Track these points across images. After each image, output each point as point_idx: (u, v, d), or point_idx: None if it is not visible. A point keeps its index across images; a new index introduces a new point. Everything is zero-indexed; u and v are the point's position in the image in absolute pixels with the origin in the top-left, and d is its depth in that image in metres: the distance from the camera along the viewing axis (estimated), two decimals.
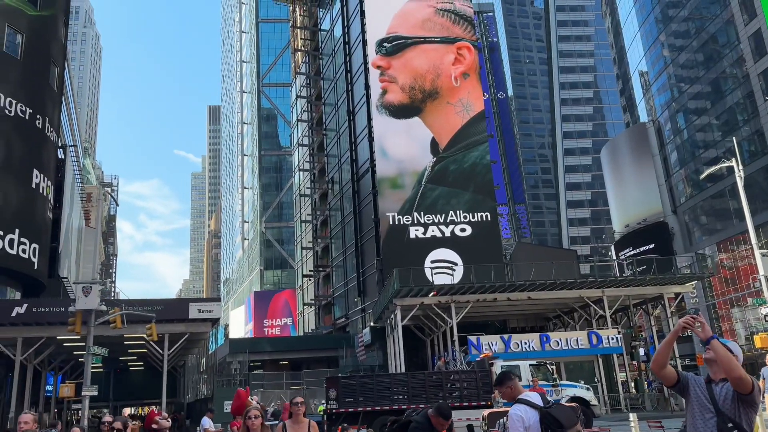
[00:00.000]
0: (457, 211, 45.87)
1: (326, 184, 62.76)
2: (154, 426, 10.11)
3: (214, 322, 35.81)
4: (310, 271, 67.93)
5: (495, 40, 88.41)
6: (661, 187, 63.16)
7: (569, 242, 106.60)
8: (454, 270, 40.57)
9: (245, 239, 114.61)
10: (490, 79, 76.86)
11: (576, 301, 37.68)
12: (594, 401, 26.16)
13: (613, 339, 33.36)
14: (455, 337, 33.27)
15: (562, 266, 39.68)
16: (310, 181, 68.85)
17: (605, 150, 77.89)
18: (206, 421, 16.60)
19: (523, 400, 5.13)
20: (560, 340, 33.16)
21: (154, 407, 50.58)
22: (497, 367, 25.86)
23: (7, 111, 34.19)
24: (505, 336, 33.09)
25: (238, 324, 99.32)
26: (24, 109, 35.49)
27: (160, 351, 33.63)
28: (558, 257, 47.71)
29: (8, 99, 34.38)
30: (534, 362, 26.51)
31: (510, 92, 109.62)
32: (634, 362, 40.96)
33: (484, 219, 46.11)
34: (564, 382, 27.35)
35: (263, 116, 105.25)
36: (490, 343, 31.89)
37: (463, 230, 45.58)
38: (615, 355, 34.64)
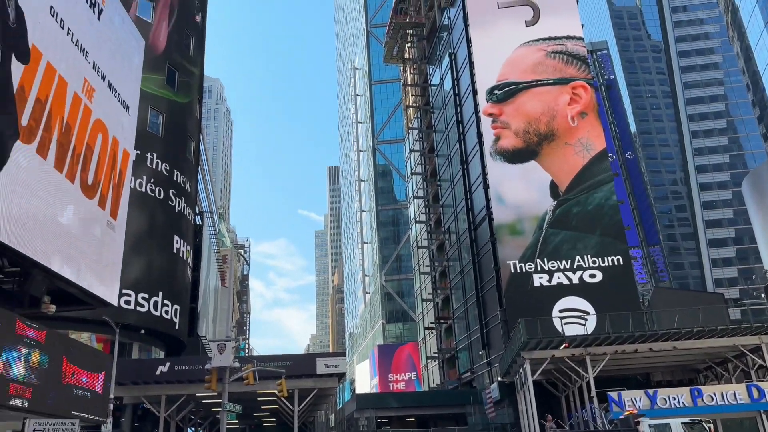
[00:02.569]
0: (585, 256, 43.46)
1: (443, 235, 62.44)
2: None
3: (340, 377, 36.02)
4: (431, 323, 67.09)
5: (612, 77, 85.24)
6: None
7: (714, 285, 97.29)
8: (586, 319, 38.05)
9: (366, 293, 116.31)
10: (610, 117, 73.80)
11: (729, 350, 33.73)
12: None
13: None
14: (593, 393, 30.82)
15: (709, 311, 35.97)
16: (426, 233, 68.89)
17: (746, 182, 71.13)
18: None
19: None
20: (714, 394, 29.65)
21: None
22: (644, 426, 23.52)
23: (150, 184, 37.70)
24: (650, 391, 30.14)
25: (364, 378, 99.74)
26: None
27: (291, 407, 34.25)
28: (703, 302, 43.38)
29: (153, 167, 37.98)
30: (687, 420, 23.81)
31: (633, 128, 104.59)
32: None
33: (616, 263, 43.26)
34: None
35: (379, 172, 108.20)
36: (633, 398, 29.17)
37: (592, 276, 42.97)
38: None
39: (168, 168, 39.24)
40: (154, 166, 38.09)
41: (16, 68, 12.66)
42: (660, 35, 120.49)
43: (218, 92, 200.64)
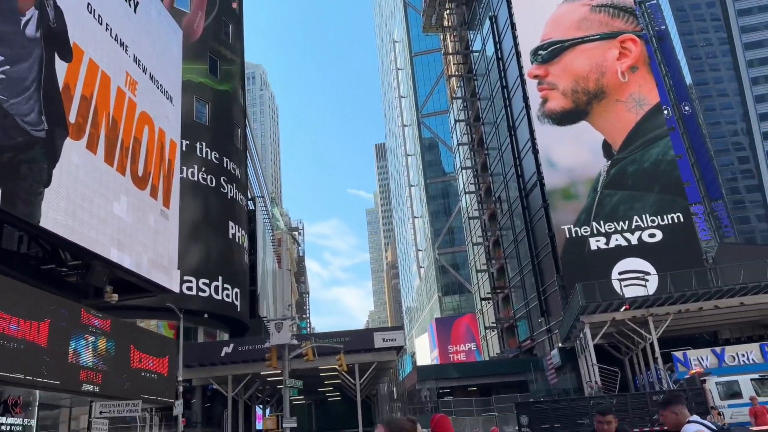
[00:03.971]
0: (643, 216, 42.05)
1: (494, 204, 61.65)
2: None
3: (399, 350, 36.35)
4: (487, 294, 66.72)
5: (663, 28, 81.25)
6: None
7: None
8: (647, 280, 36.99)
9: (421, 267, 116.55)
10: (663, 69, 70.57)
11: None
12: None
13: None
14: (657, 354, 30.07)
15: None
16: (477, 203, 68.15)
17: None
18: None
19: (696, 420, 4.66)
20: None
21: None
22: (711, 384, 22.80)
23: (202, 173, 38.62)
24: (717, 349, 29.17)
25: (424, 351, 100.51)
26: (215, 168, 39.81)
27: (352, 381, 34.89)
28: None
29: (203, 156, 38.86)
30: (757, 376, 22.91)
31: (689, 80, 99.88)
32: None
33: (676, 221, 41.71)
34: None
35: (425, 146, 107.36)
36: (699, 357, 28.29)
37: (652, 236, 41.59)
38: None
39: (217, 156, 40.06)
40: (204, 155, 38.94)
41: (60, 67, 13.07)
42: None
43: (261, 78, 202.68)
